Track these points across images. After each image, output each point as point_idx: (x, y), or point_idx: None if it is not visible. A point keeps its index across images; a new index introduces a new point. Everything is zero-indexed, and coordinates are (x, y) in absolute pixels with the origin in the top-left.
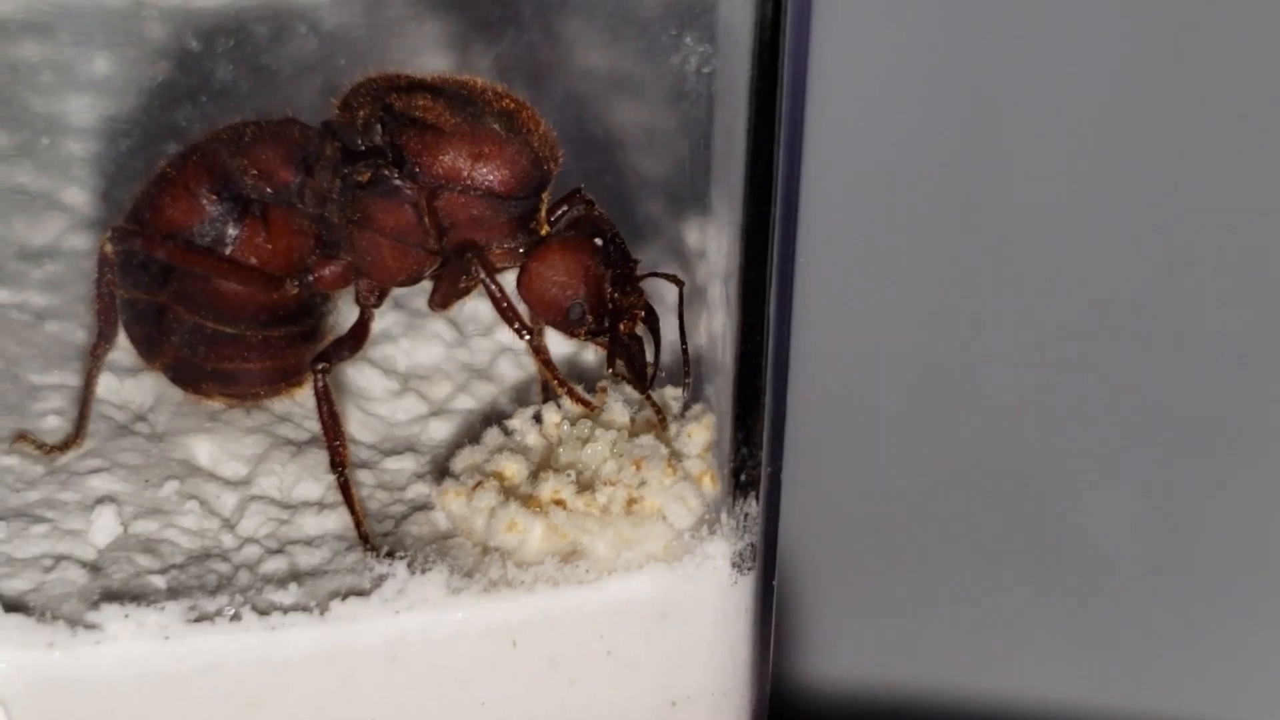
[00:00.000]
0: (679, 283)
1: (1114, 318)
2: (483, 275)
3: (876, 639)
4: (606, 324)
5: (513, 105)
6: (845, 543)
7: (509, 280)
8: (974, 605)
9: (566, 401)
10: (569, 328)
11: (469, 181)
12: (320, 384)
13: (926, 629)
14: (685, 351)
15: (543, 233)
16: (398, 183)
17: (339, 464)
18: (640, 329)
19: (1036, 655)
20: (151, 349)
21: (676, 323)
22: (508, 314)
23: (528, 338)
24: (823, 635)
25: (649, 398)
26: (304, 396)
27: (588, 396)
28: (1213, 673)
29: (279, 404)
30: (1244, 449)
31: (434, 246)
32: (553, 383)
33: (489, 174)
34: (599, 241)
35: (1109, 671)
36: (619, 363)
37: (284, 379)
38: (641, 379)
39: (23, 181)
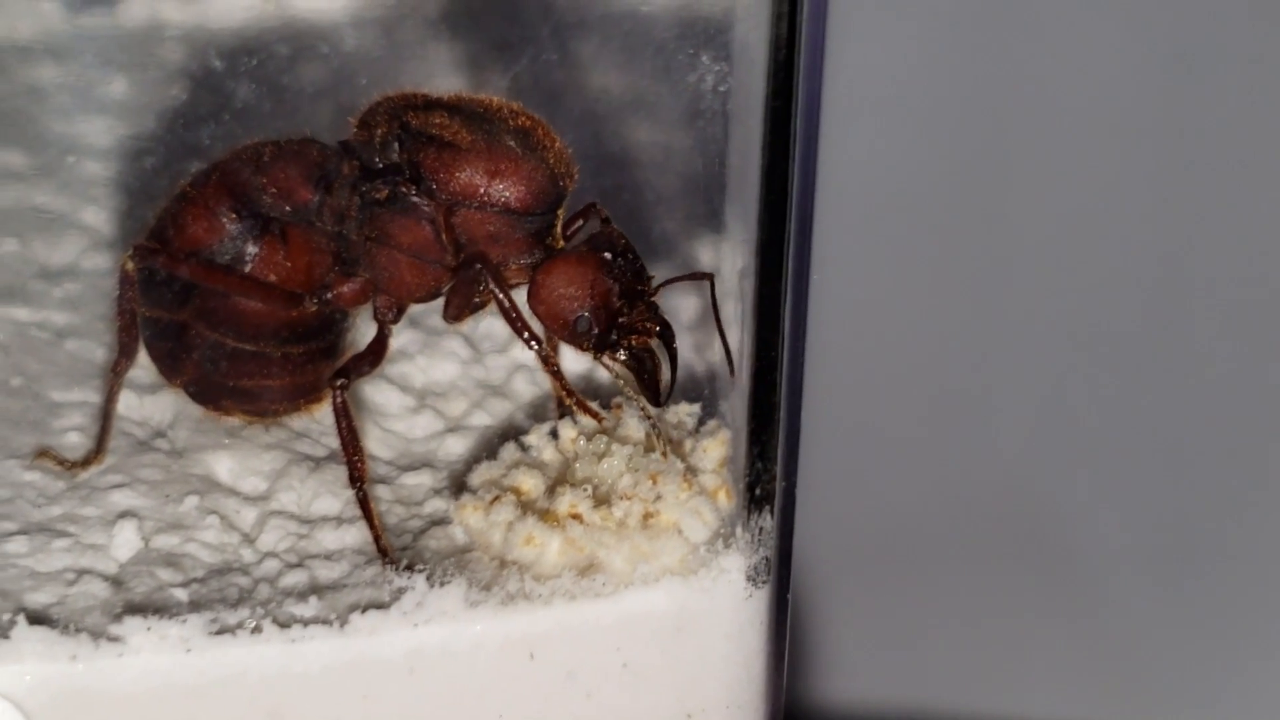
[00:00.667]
0: (707, 276)
1: (1124, 341)
2: (492, 286)
3: (885, 660)
4: (616, 338)
5: (528, 122)
6: (854, 564)
7: (522, 296)
8: (984, 626)
9: (582, 417)
10: (576, 340)
11: (485, 198)
12: (339, 400)
13: (935, 649)
14: (725, 344)
15: (558, 248)
16: (415, 199)
17: (358, 479)
18: (655, 344)
19: (1046, 677)
20: (172, 366)
21: (712, 320)
22: (516, 324)
23: (535, 346)
24: (831, 657)
25: (652, 418)
26: (322, 413)
27: (596, 408)
28: (1225, 695)
29: (297, 420)
30: (1254, 472)
31: (451, 262)
32: (560, 393)
33: (505, 190)
34: (607, 255)
35: (1120, 694)
36: (629, 379)
37: (303, 396)
38: (654, 394)
39: (43, 202)
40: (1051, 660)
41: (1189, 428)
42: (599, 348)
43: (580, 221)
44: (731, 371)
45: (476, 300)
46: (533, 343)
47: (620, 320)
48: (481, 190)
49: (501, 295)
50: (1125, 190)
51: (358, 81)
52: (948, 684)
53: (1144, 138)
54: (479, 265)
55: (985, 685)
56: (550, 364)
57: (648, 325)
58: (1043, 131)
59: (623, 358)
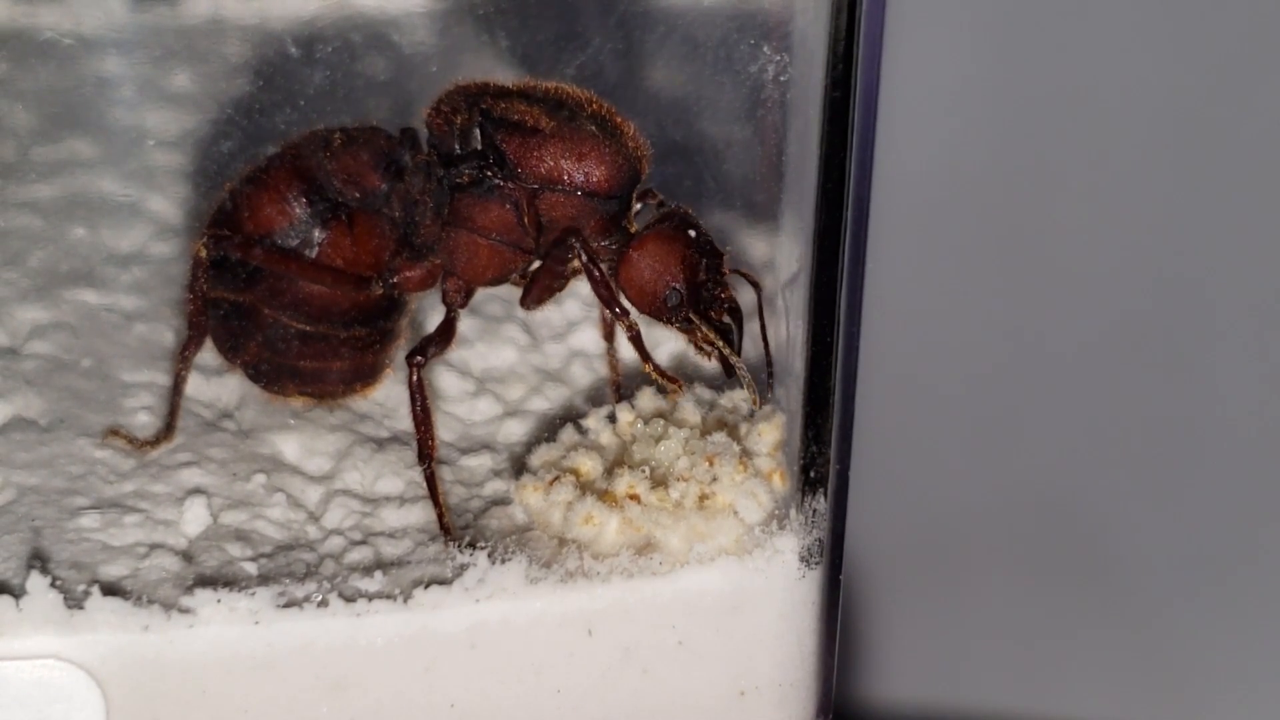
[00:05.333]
0: (757, 284)
1: (1173, 348)
2: (585, 259)
3: (928, 660)
4: (699, 311)
5: (601, 108)
6: (900, 566)
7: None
8: (1028, 629)
9: (640, 400)
10: (665, 314)
11: (570, 181)
12: (415, 377)
13: (978, 651)
14: (767, 350)
15: (632, 230)
16: (499, 183)
17: (427, 456)
18: (726, 319)
19: (1088, 680)
20: (234, 347)
21: (757, 325)
22: (608, 297)
23: (623, 317)
24: (876, 657)
25: (742, 373)
26: (384, 396)
27: (674, 376)
28: (1268, 698)
29: (361, 403)
30: None
31: (530, 245)
32: (646, 366)
33: (589, 173)
34: (693, 233)
35: (1163, 697)
36: (713, 346)
37: (360, 379)
38: (735, 359)
39: (110, 190)
40: (1094, 663)
41: (1232, 434)
42: (682, 321)
43: (639, 205)
44: (770, 377)
45: (558, 284)
46: (624, 316)
47: (702, 294)
48: (566, 173)
49: (595, 269)
50: (1181, 197)
51: (416, 75)
52: (989, 685)
53: (1209, 144)
54: (573, 240)
55: (1028, 687)
56: (638, 337)
57: (724, 299)
58: (1101, 129)
59: (703, 329)
